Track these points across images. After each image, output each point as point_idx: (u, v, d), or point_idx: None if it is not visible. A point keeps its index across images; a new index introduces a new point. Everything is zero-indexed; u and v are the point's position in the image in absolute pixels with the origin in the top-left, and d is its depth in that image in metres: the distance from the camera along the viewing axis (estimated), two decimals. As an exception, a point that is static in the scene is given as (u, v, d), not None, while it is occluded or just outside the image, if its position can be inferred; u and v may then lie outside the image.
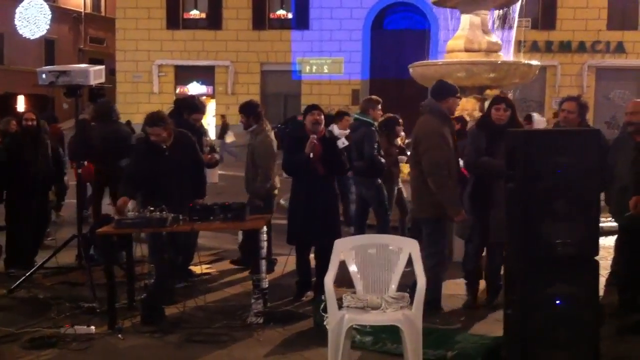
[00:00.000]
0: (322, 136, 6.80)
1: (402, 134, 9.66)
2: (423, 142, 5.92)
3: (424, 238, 6.06)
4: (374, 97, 9.03)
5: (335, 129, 9.20)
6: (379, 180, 8.48)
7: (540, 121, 10.28)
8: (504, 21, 13.84)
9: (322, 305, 5.75)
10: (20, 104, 32.07)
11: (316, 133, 6.73)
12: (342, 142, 6.85)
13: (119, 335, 5.75)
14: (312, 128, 6.78)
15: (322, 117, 6.87)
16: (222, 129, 25.35)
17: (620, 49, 29.84)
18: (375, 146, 8.32)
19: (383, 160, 8.38)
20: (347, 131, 9.23)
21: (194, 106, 7.82)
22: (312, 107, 6.96)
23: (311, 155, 6.67)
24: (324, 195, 6.81)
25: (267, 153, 7.57)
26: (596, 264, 4.48)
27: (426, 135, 5.93)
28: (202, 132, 7.93)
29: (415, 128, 6.18)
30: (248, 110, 7.71)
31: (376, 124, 8.65)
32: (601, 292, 5.75)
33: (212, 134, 26.82)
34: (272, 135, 7.78)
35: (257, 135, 7.66)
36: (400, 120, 9.25)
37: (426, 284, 5.88)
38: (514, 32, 14.22)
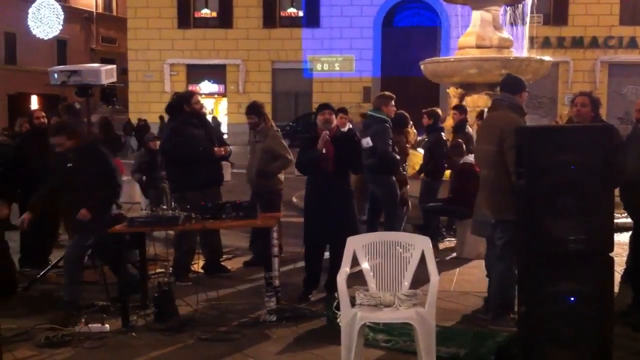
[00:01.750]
0: (334, 134, 6.82)
1: (414, 131, 9.63)
2: (510, 138, 5.41)
3: (499, 240, 5.79)
4: (386, 93, 8.99)
5: None
6: (393, 178, 8.44)
7: None
8: (516, 17, 13.80)
9: (335, 303, 5.75)
10: (34, 104, 32.30)
11: (327, 130, 6.76)
12: (367, 142, 6.82)
13: (133, 334, 5.77)
14: (323, 127, 6.82)
15: (333, 116, 6.93)
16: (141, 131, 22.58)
17: (632, 44, 29.66)
18: (390, 142, 8.30)
19: (397, 156, 8.35)
20: (346, 128, 9.20)
21: (188, 95, 8.05)
22: (324, 107, 7.01)
23: (324, 151, 6.68)
24: (337, 193, 6.80)
25: (283, 143, 8.12)
26: (610, 260, 4.45)
27: (512, 131, 5.41)
28: (207, 121, 8.04)
29: (492, 123, 5.82)
30: (259, 111, 8.07)
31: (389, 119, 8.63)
32: (616, 289, 5.73)
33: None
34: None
35: (267, 132, 8.01)
36: (408, 116, 9.25)
37: (497, 288, 5.80)
38: (525, 28, 14.17)
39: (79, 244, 6.33)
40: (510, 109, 5.77)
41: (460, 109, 10.36)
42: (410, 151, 9.62)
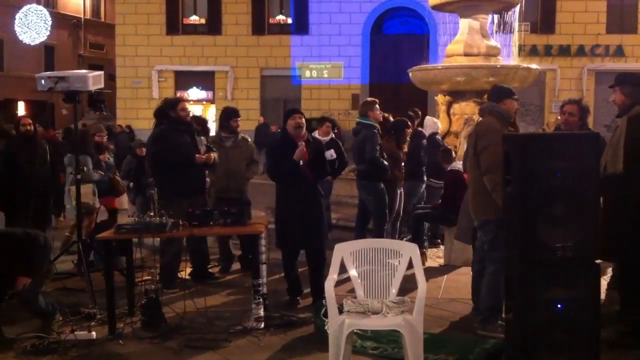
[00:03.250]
0: (306, 141, 6.83)
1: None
2: (482, 141, 5.76)
3: (484, 243, 5.87)
4: (369, 99, 9.09)
5: (316, 134, 9.26)
6: (382, 185, 8.44)
7: (430, 125, 10.07)
8: (503, 25, 13.86)
9: (322, 310, 5.74)
10: (21, 110, 32.14)
11: (299, 136, 6.76)
12: (330, 155, 6.86)
13: (120, 341, 5.74)
14: (294, 132, 6.81)
15: (303, 120, 6.92)
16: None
17: (619, 52, 29.87)
18: (378, 148, 8.31)
19: (385, 162, 8.36)
20: (329, 137, 9.25)
21: (175, 101, 7.99)
22: (293, 111, 7.01)
23: (301, 162, 6.68)
24: (313, 199, 6.82)
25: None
26: (597, 267, 4.47)
27: (485, 135, 5.78)
28: (193, 129, 7.95)
29: (474, 129, 6.07)
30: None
31: (377, 125, 8.63)
32: (603, 296, 5.75)
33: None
34: None
35: (245, 137, 8.47)
36: (410, 123, 9.27)
37: (486, 291, 5.82)
38: (513, 36, 14.23)
39: (32, 292, 5.93)
40: (492, 116, 5.91)
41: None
42: None
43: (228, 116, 8.27)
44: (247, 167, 8.26)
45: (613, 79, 6.07)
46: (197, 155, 7.48)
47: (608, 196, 5.40)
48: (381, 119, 8.88)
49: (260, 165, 8.34)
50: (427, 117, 10.33)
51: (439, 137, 10.16)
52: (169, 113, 7.53)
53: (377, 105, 8.75)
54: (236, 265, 8.46)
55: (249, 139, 8.56)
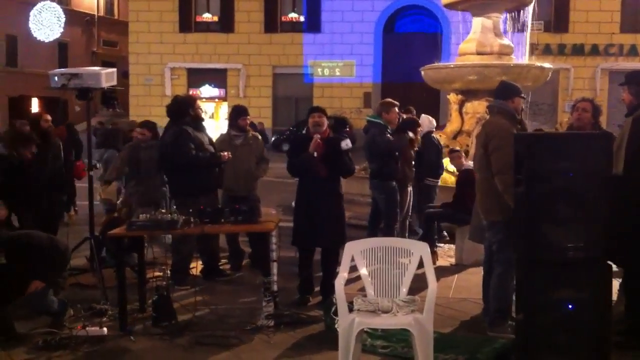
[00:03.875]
0: (326, 137, 6.82)
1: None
2: (493, 141, 5.68)
3: (492, 243, 5.85)
4: (387, 100, 8.99)
5: None
6: (394, 183, 8.41)
7: (426, 123, 9.96)
8: (517, 24, 13.83)
9: (333, 308, 5.75)
10: (34, 107, 32.32)
11: (318, 134, 6.77)
12: (346, 144, 6.84)
13: (131, 337, 5.76)
14: (313, 130, 6.83)
15: (324, 119, 6.91)
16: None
17: (633, 51, 29.73)
18: (387, 141, 8.29)
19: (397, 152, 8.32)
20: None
21: (192, 99, 8.07)
22: (313, 110, 7.06)
23: (315, 154, 6.68)
24: (328, 197, 6.81)
25: None
26: (608, 268, 4.44)
27: (496, 134, 5.70)
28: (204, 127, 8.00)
29: (483, 129, 6.00)
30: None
31: (388, 125, 8.59)
32: (615, 297, 5.71)
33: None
34: None
35: (255, 135, 8.45)
36: (417, 120, 9.24)
37: (494, 292, 5.79)
38: (526, 35, 14.20)
39: (37, 297, 5.95)
40: (500, 115, 5.87)
41: None
42: None
43: (237, 115, 8.27)
44: (257, 165, 8.25)
45: (626, 78, 6.01)
46: (221, 153, 7.53)
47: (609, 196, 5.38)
48: (396, 121, 8.78)
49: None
50: (423, 116, 10.25)
51: (435, 136, 10.09)
52: (189, 111, 7.53)
53: (396, 108, 8.69)
54: (246, 263, 8.47)
55: (259, 137, 8.56)
